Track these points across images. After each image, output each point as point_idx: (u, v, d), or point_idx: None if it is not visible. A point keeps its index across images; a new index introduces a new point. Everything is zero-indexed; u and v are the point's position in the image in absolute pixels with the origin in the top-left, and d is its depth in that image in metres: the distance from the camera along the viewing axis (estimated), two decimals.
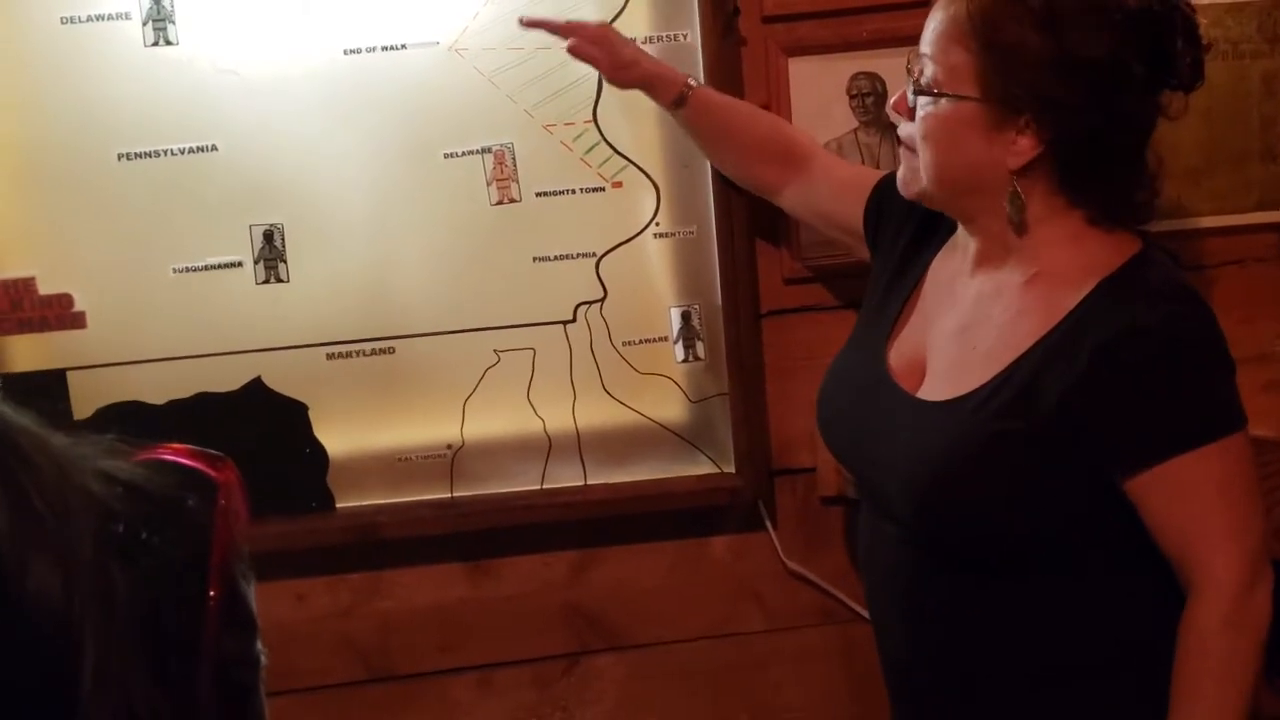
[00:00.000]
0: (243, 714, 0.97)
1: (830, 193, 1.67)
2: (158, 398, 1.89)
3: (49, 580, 0.83)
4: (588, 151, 1.88)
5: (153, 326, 1.88)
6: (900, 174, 1.39)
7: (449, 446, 1.93)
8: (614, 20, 1.84)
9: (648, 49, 1.84)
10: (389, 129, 1.86)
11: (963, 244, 1.40)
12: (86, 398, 1.88)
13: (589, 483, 1.94)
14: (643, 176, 1.89)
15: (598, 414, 1.92)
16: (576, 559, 1.97)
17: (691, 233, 1.90)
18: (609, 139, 1.87)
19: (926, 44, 1.32)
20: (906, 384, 1.38)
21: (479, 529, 1.92)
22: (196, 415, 1.88)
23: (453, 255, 1.89)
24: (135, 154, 1.85)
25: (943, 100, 1.29)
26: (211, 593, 0.93)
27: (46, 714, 0.84)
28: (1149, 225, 1.36)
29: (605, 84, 1.81)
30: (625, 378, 1.92)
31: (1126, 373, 1.22)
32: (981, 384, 1.29)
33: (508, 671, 1.98)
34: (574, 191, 1.88)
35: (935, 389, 1.35)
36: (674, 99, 1.72)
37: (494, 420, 1.92)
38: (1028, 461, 1.26)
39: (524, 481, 1.94)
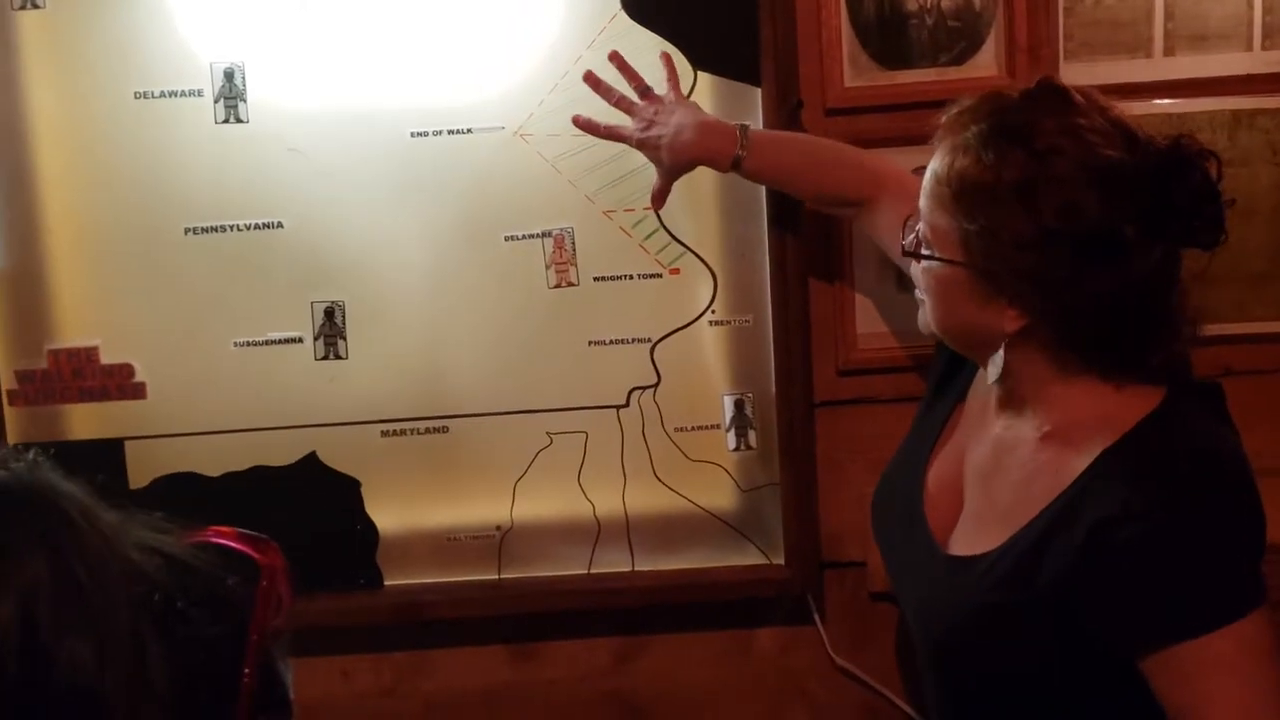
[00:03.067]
0: None
1: (895, 235, 1.61)
2: (213, 469, 1.90)
3: (83, 650, 0.85)
4: (646, 238, 1.89)
5: (211, 399, 1.90)
6: (919, 314, 1.36)
7: (498, 528, 1.93)
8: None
9: None
10: (452, 211, 1.88)
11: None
12: (143, 467, 1.90)
13: (636, 569, 1.93)
14: (700, 264, 1.89)
15: (647, 500, 1.92)
16: (621, 646, 1.95)
17: (747, 321, 1.90)
18: (668, 226, 1.88)
19: (922, 198, 1.27)
20: (939, 512, 1.35)
21: (525, 612, 1.92)
22: (251, 488, 1.89)
23: (509, 337, 1.90)
24: (202, 228, 1.88)
25: (934, 261, 1.25)
26: (247, 671, 0.94)
27: None
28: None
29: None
30: (676, 464, 1.91)
31: (1121, 558, 1.13)
32: (991, 549, 1.25)
33: None
34: (631, 277, 1.89)
35: (962, 536, 1.32)
36: (732, 160, 1.67)
37: (544, 503, 1.92)
38: (1027, 633, 1.21)
39: (571, 565, 1.93)
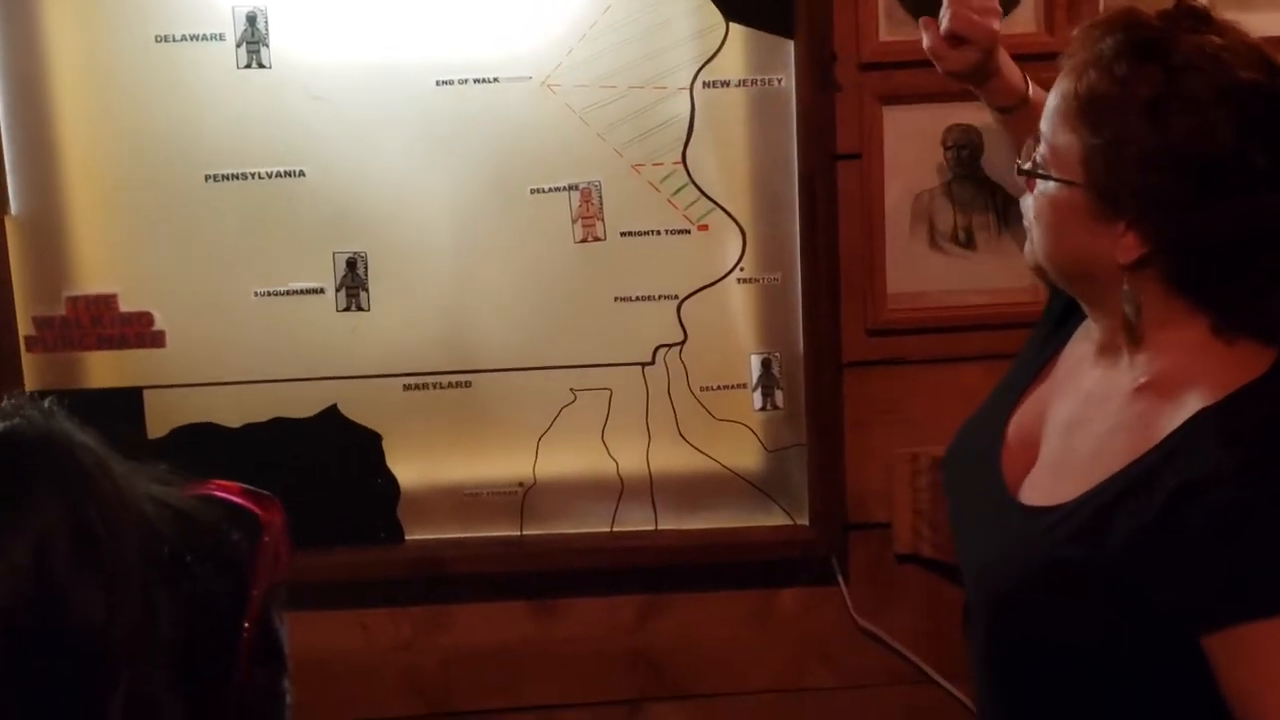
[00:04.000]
0: None
1: None
2: (233, 420, 1.88)
3: (94, 598, 0.85)
4: (675, 193, 1.86)
5: (232, 349, 1.87)
6: (1026, 247, 1.31)
7: (520, 484, 1.91)
8: (707, 63, 1.82)
9: (740, 93, 1.83)
10: (477, 162, 1.85)
11: (1091, 328, 1.29)
12: (162, 417, 1.88)
13: (660, 528, 1.91)
14: (729, 220, 1.86)
15: (672, 458, 1.90)
16: (643, 604, 1.94)
17: (776, 279, 1.87)
18: (697, 181, 1.85)
19: (1044, 119, 1.22)
20: (1016, 462, 1.30)
21: (546, 569, 1.91)
22: (271, 440, 1.88)
23: (534, 291, 1.87)
24: (222, 176, 1.85)
25: (1050, 181, 1.20)
26: (246, 625, 0.95)
27: None
28: None
29: (694, 127, 1.79)
30: (701, 423, 1.89)
31: (1202, 523, 1.08)
32: (1067, 500, 1.19)
33: (567, 714, 1.95)
34: (659, 233, 1.86)
35: (1035, 487, 1.26)
36: (1005, 106, 1.57)
37: (567, 460, 1.90)
38: (1090, 591, 1.15)
39: (594, 523, 1.91)
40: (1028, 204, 1.26)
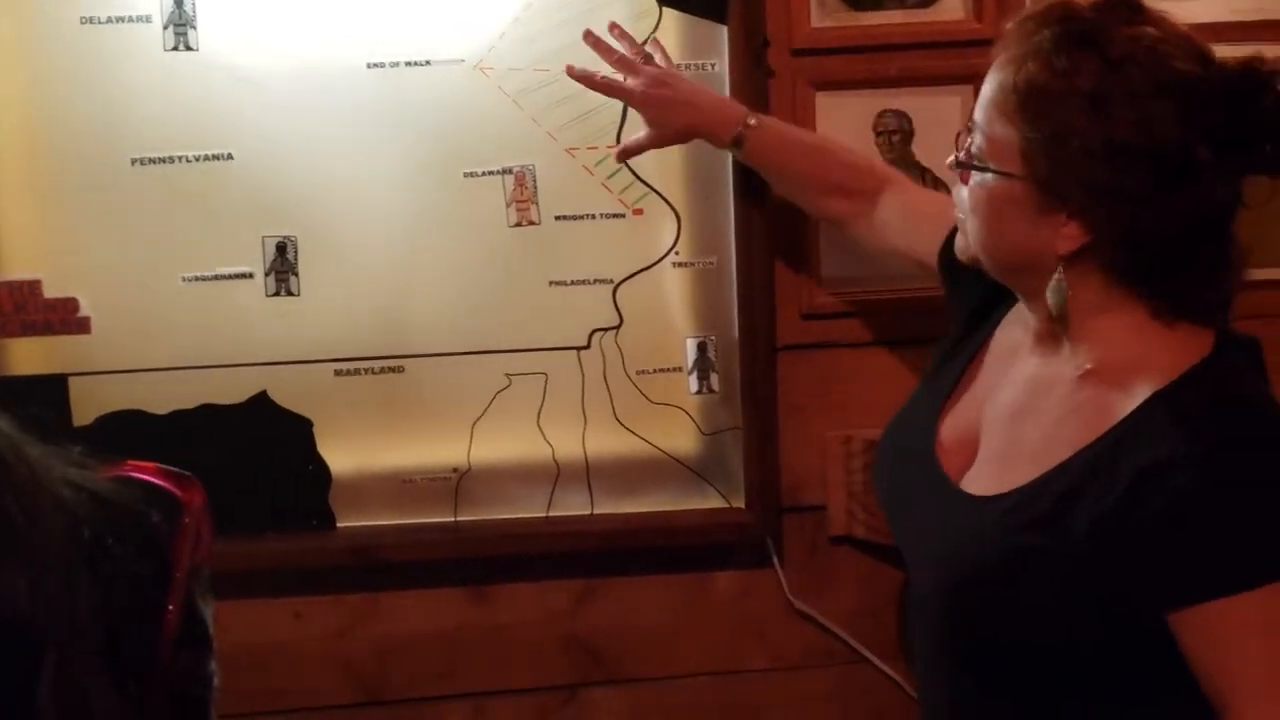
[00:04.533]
0: None
1: (902, 225, 1.59)
2: (161, 407, 1.85)
3: (16, 583, 0.84)
4: (610, 177, 1.85)
5: (159, 335, 1.84)
6: (957, 239, 1.31)
7: (455, 470, 1.90)
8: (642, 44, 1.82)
9: None
10: (409, 145, 1.83)
11: (1026, 317, 1.30)
12: (88, 404, 1.85)
13: (596, 512, 1.91)
14: (664, 204, 1.87)
15: (608, 443, 1.90)
16: (580, 589, 1.94)
17: (711, 263, 1.88)
18: (631, 165, 1.85)
19: (978, 110, 1.22)
20: (954, 461, 1.29)
21: (482, 555, 1.89)
22: (200, 427, 1.85)
23: (468, 276, 1.86)
24: (149, 159, 1.82)
25: (988, 174, 1.20)
26: (170, 607, 0.94)
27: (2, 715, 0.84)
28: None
29: (628, 111, 1.80)
30: (637, 407, 1.89)
31: (1165, 507, 1.10)
32: (1018, 486, 1.20)
33: (505, 701, 1.94)
34: (594, 217, 1.86)
35: (978, 477, 1.26)
36: (732, 140, 1.64)
37: (502, 445, 1.89)
38: (1052, 580, 1.16)
39: (530, 508, 1.91)
40: (962, 196, 1.26)
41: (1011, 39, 1.20)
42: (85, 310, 1.84)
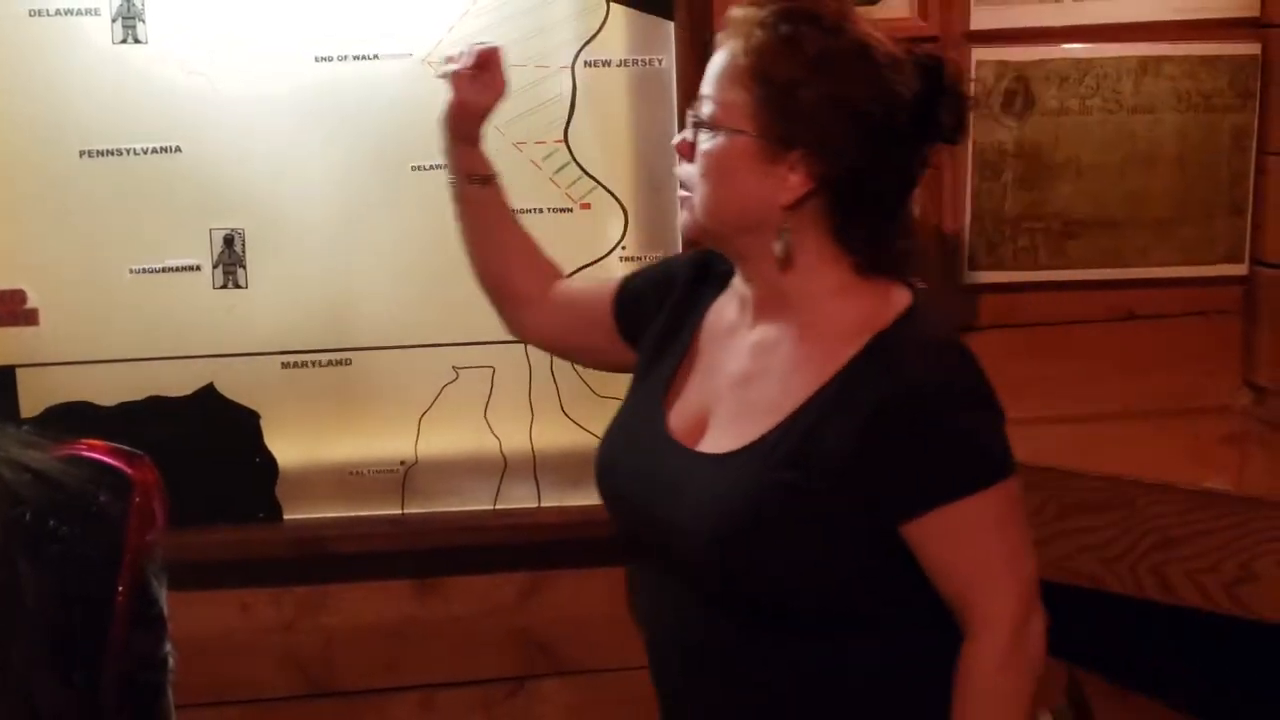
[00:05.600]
0: (149, 715, 0.96)
1: (572, 298, 1.59)
2: (108, 399, 1.86)
3: None
4: (557, 171, 1.87)
5: (107, 327, 1.85)
6: (680, 217, 1.39)
7: (402, 462, 1.90)
8: (588, 43, 1.84)
9: (621, 72, 1.84)
10: (357, 139, 1.84)
11: (741, 293, 1.39)
12: (35, 396, 1.85)
13: (543, 505, 1.92)
14: (611, 199, 1.88)
15: (555, 435, 1.91)
16: (526, 581, 1.95)
17: (657, 258, 1.88)
18: (579, 160, 1.86)
19: (707, 83, 1.33)
20: (690, 439, 1.36)
21: (429, 547, 1.90)
22: (147, 419, 1.86)
23: (415, 269, 1.87)
24: (98, 151, 1.82)
25: (719, 135, 1.31)
26: (120, 589, 0.92)
27: None
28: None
29: (575, 105, 1.81)
30: (584, 400, 1.90)
31: (903, 428, 1.24)
32: (762, 435, 1.29)
33: (451, 693, 1.95)
34: (541, 211, 1.87)
35: (717, 441, 1.34)
36: (484, 176, 1.58)
37: (449, 437, 1.90)
38: (808, 513, 1.26)
39: (477, 501, 1.92)
40: (689, 170, 1.35)
41: (736, 19, 1.31)
42: (33, 302, 1.84)
